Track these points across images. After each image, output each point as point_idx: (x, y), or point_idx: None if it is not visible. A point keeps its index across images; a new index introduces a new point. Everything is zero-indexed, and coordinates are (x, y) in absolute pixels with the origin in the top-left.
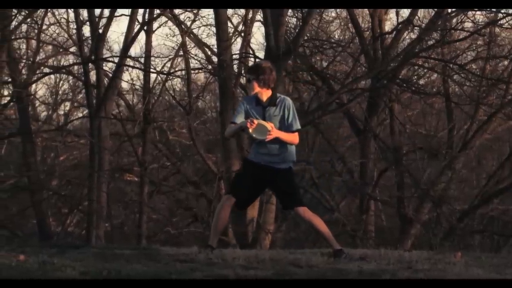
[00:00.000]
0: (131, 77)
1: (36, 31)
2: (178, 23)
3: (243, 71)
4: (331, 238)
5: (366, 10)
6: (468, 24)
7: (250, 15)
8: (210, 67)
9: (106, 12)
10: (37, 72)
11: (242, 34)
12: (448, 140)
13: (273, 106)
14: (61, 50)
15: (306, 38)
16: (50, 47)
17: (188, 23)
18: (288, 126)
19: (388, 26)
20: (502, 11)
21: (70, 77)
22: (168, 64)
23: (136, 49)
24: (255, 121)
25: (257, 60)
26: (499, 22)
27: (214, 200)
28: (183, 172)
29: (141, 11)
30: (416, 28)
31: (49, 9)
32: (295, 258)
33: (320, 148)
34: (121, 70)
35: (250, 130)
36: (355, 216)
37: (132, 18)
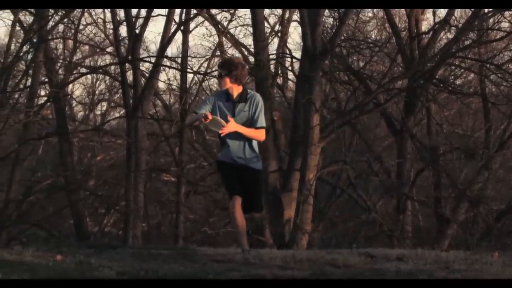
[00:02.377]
0: (168, 77)
1: (73, 31)
2: (215, 23)
3: (279, 71)
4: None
5: (403, 10)
6: (505, 24)
7: (287, 15)
8: (247, 67)
9: (143, 12)
10: (74, 72)
11: (279, 34)
12: (485, 140)
13: (243, 102)
14: (98, 50)
15: (343, 38)
16: (87, 47)
17: (225, 23)
18: (252, 122)
19: (425, 26)
20: None
21: (107, 77)
22: (205, 64)
23: (173, 49)
24: (210, 116)
25: (293, 60)
26: None
27: None
28: None
29: (177, 11)
30: (453, 28)
31: (86, 9)
32: (332, 258)
33: (357, 148)
34: (158, 70)
35: (209, 125)
36: (392, 216)
37: (169, 18)
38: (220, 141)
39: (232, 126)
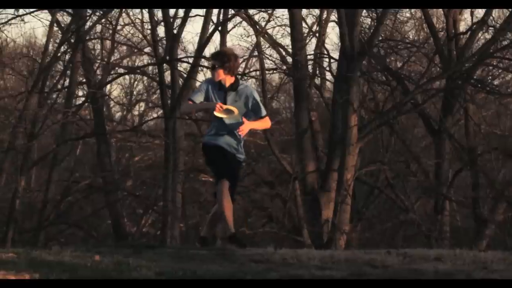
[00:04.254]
0: (205, 77)
1: (110, 31)
2: (252, 23)
3: (317, 71)
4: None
5: (440, 10)
6: None
7: (324, 15)
8: (284, 67)
9: (181, 12)
10: (112, 72)
11: (317, 34)
12: None
13: (234, 92)
14: (135, 50)
15: (380, 38)
16: (124, 47)
17: (263, 24)
18: (256, 113)
19: (462, 26)
20: None
21: (145, 78)
22: (243, 65)
23: (211, 49)
24: (224, 106)
25: (331, 60)
26: None
27: (289, 200)
28: (258, 172)
29: (215, 11)
30: (490, 28)
31: (123, 10)
32: (370, 258)
33: (395, 148)
34: (196, 71)
35: (219, 114)
36: (430, 217)
37: (207, 19)
38: (215, 126)
39: (247, 125)
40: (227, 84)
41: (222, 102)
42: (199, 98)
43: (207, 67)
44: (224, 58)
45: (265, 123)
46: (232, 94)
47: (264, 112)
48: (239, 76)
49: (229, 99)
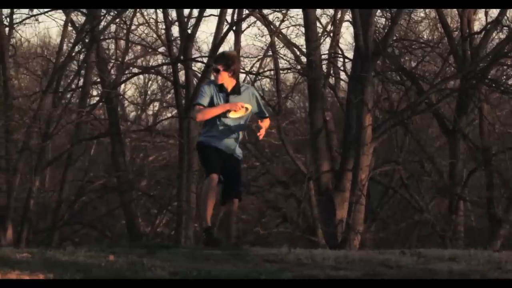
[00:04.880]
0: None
1: (125, 31)
2: (267, 23)
3: (332, 71)
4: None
5: (455, 10)
6: None
7: (339, 15)
8: (299, 67)
9: (195, 12)
10: (126, 72)
11: (331, 34)
12: None
13: (237, 94)
14: (150, 50)
15: (395, 38)
16: (139, 47)
17: (277, 23)
18: (260, 114)
19: (477, 26)
20: None
21: (159, 77)
22: (257, 64)
23: (225, 49)
24: (244, 105)
25: (346, 60)
26: None
27: (303, 200)
28: (272, 172)
29: (229, 11)
30: (505, 28)
31: (138, 9)
32: (384, 258)
33: (410, 148)
34: (210, 70)
35: (237, 114)
36: (445, 217)
37: (221, 19)
38: (214, 128)
39: (264, 128)
40: (229, 86)
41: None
42: (206, 101)
43: None
44: (228, 61)
45: (268, 123)
46: (235, 96)
47: (267, 114)
48: (253, 76)
49: (232, 100)
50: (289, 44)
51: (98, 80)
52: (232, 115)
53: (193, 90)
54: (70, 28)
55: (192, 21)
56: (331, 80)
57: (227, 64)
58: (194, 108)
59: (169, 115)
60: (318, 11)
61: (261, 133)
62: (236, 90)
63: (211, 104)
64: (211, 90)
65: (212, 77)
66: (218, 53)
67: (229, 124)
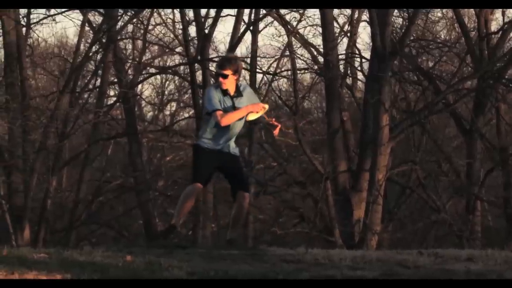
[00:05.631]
0: None
1: (142, 31)
2: (284, 23)
3: (349, 71)
4: (236, 227)
5: (472, 10)
6: None
7: (356, 15)
8: (316, 67)
9: (212, 12)
10: (143, 72)
11: (348, 34)
12: None
13: (240, 96)
14: (167, 50)
15: (412, 38)
16: (156, 47)
17: (294, 23)
18: None
19: (494, 26)
20: None
21: (176, 77)
22: (274, 64)
23: (242, 49)
24: (266, 106)
25: (363, 60)
26: None
27: (320, 200)
28: (289, 172)
29: (247, 11)
30: None
31: (155, 10)
32: (402, 258)
33: (427, 148)
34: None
35: (258, 115)
36: (462, 217)
37: (238, 19)
38: (215, 132)
39: (279, 126)
40: (231, 90)
41: (232, 107)
42: (220, 106)
43: None
44: (235, 66)
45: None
46: (239, 98)
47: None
48: (270, 76)
49: (238, 102)
50: (306, 44)
51: (115, 80)
52: (252, 116)
53: None
54: (87, 28)
55: (209, 21)
56: (348, 80)
57: (235, 69)
58: (215, 114)
59: (186, 115)
60: (335, 11)
61: (277, 131)
62: (238, 92)
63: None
64: (218, 94)
65: (212, 81)
66: (220, 57)
67: (226, 129)
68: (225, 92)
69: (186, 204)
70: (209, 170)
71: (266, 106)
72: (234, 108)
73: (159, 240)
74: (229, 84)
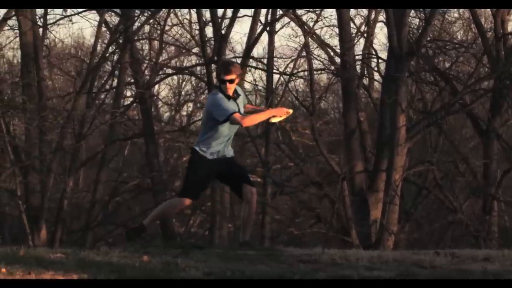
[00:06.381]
0: (254, 77)
1: (158, 32)
2: (300, 23)
3: (366, 71)
4: (249, 228)
5: (488, 11)
6: None
7: (372, 16)
8: (333, 67)
9: (229, 12)
10: (160, 73)
11: (365, 35)
12: None
13: (238, 97)
14: (183, 51)
15: (428, 38)
16: (172, 48)
17: (311, 24)
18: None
19: (510, 26)
20: None
21: (193, 78)
22: (291, 65)
23: (259, 50)
24: (289, 110)
25: (379, 60)
26: None
27: (337, 201)
28: (306, 172)
29: (263, 11)
30: None
31: (171, 10)
32: (418, 259)
33: (443, 149)
34: (244, 71)
35: (282, 118)
36: (479, 217)
37: (255, 19)
38: (211, 135)
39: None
40: (232, 93)
41: (237, 111)
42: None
43: (255, 68)
44: (238, 70)
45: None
46: (238, 99)
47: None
48: (287, 76)
49: (240, 105)
50: (323, 45)
51: (132, 80)
52: (275, 119)
53: None
54: (104, 29)
55: (226, 21)
56: (365, 81)
57: (239, 72)
58: (233, 117)
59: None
60: (352, 12)
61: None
62: (237, 94)
63: None
64: (225, 100)
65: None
66: (222, 63)
67: (227, 131)
68: (228, 97)
69: (165, 214)
70: (206, 185)
71: (291, 111)
72: (238, 110)
73: (176, 241)
74: (234, 88)
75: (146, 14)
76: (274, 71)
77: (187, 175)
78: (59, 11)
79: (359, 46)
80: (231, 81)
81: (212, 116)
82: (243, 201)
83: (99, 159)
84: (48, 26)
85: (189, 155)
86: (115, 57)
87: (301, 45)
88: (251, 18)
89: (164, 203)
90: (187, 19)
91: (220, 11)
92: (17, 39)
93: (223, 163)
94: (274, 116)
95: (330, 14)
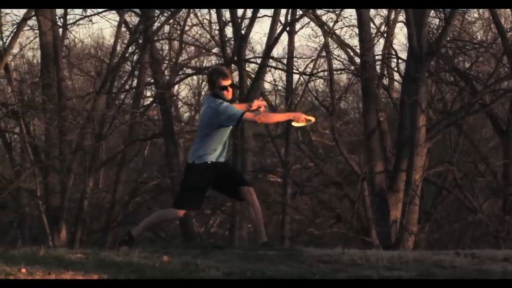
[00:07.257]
0: (273, 78)
1: (178, 32)
2: (320, 23)
3: (385, 71)
4: (261, 228)
5: (508, 11)
6: None
7: (392, 16)
8: (352, 67)
9: (249, 12)
10: (180, 73)
11: (385, 35)
12: None
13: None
14: (203, 51)
15: (448, 38)
16: (192, 48)
17: (331, 24)
18: None
19: None
20: None
21: None
22: (311, 65)
23: (279, 50)
24: (308, 116)
25: (399, 60)
26: None
27: (357, 201)
28: (326, 173)
29: (283, 12)
30: None
31: (191, 10)
32: (438, 259)
33: (463, 149)
34: (264, 71)
35: (301, 123)
36: (498, 217)
37: (275, 19)
38: (211, 144)
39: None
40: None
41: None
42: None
43: (275, 68)
44: (231, 75)
45: None
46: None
47: None
48: (307, 77)
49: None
50: (342, 45)
51: (152, 81)
52: (294, 124)
53: (246, 91)
54: (123, 29)
55: (246, 21)
56: (385, 81)
57: (232, 79)
58: (245, 117)
59: None
60: (372, 12)
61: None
62: (233, 100)
63: None
64: (229, 104)
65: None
66: (217, 70)
67: (226, 135)
68: (228, 101)
69: (157, 224)
70: (203, 196)
71: (312, 119)
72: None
73: (196, 241)
74: (231, 92)
75: (166, 14)
76: (294, 71)
77: (187, 187)
78: (79, 11)
79: (379, 46)
80: (231, 86)
81: (219, 124)
82: (247, 204)
83: (119, 159)
84: (68, 26)
85: (184, 170)
86: (135, 57)
87: (321, 45)
88: (271, 18)
89: (157, 213)
90: (207, 19)
91: (240, 11)
92: (37, 39)
93: (221, 166)
94: (293, 120)
95: (350, 14)
